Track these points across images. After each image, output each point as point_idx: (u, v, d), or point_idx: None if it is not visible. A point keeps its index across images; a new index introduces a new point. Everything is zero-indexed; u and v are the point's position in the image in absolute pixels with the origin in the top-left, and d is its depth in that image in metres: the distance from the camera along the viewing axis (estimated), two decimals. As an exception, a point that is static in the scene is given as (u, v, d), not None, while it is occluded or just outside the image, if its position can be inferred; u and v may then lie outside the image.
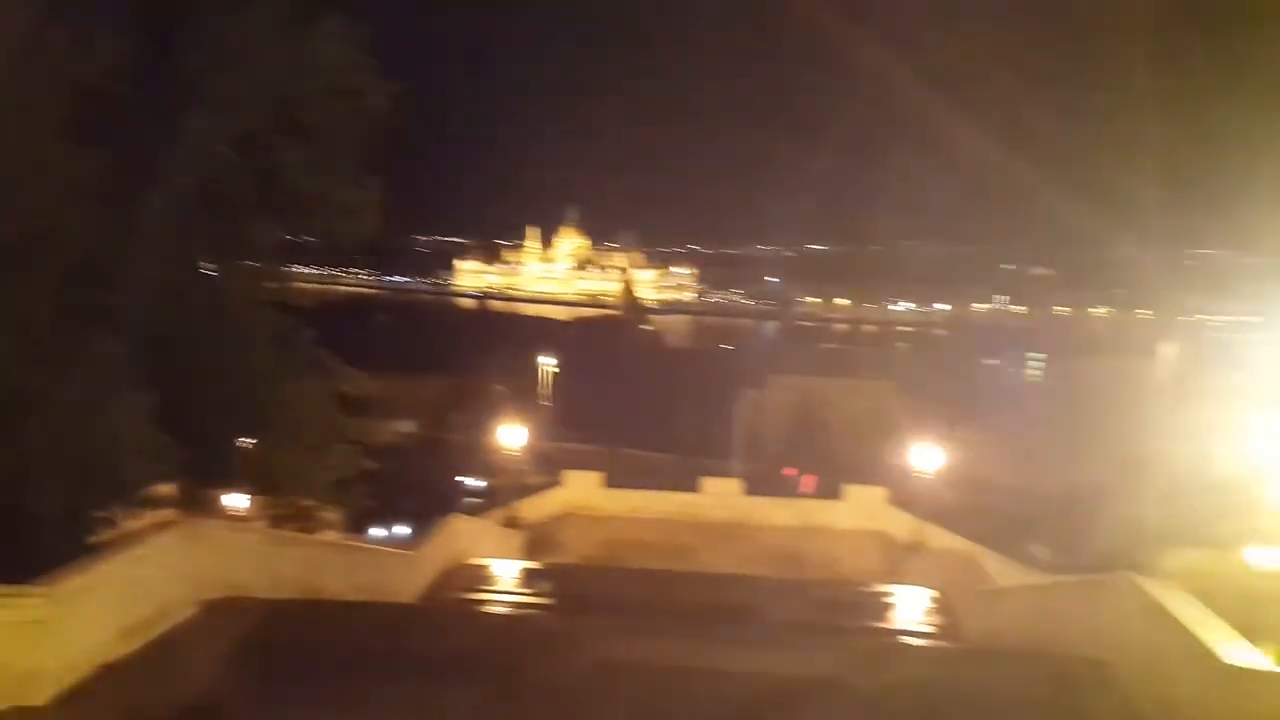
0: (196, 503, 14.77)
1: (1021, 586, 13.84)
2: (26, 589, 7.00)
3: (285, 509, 16.40)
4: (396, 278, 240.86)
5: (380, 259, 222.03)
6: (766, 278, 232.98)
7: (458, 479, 54.00)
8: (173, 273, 13.51)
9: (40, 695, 7.00)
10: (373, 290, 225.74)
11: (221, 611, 9.33)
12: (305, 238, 16.21)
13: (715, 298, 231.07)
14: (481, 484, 53.62)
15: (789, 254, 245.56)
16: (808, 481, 40.48)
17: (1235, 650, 7.08)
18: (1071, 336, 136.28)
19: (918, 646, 12.34)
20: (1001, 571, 17.68)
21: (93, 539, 11.46)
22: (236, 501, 19.15)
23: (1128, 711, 8.00)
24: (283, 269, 15.86)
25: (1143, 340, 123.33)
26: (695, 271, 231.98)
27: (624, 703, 8.06)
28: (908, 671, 9.45)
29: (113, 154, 12.02)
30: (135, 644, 8.18)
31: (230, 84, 13.44)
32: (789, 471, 41.03)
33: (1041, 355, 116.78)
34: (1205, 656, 7.14)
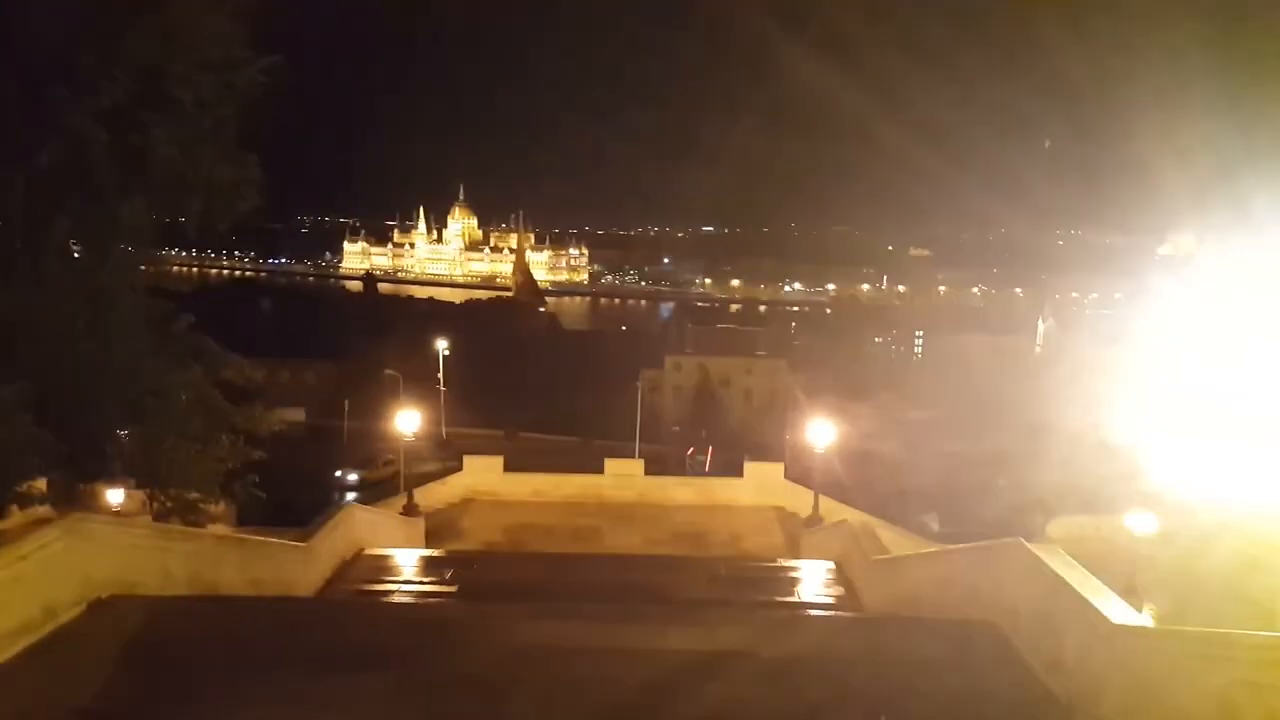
0: (71, 498, 13.95)
1: (915, 555, 14.35)
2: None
3: (169, 503, 15.65)
4: (278, 260, 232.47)
5: (261, 241, 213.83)
6: (665, 259, 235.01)
7: (337, 473, 51.87)
8: (38, 257, 12.61)
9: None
10: (253, 273, 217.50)
11: (110, 610, 8.84)
12: (179, 218, 15.37)
13: (610, 279, 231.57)
14: (354, 477, 52.30)
15: (681, 235, 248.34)
16: (691, 452, 41.39)
17: (1117, 610, 7.50)
18: (952, 314, 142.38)
19: (819, 616, 12.68)
20: (895, 542, 18.30)
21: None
22: (113, 496, 18.14)
23: (1019, 670, 8.40)
24: (156, 252, 15.06)
25: (1019, 317, 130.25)
26: (587, 253, 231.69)
27: (535, 687, 7.99)
28: (810, 640, 9.70)
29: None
30: (17, 647, 7.69)
31: (94, 55, 12.55)
32: (691, 452, 41.64)
33: (923, 333, 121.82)
34: (1090, 616, 7.53)
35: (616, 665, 8.52)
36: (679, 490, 26.92)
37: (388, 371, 58.38)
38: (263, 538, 13.49)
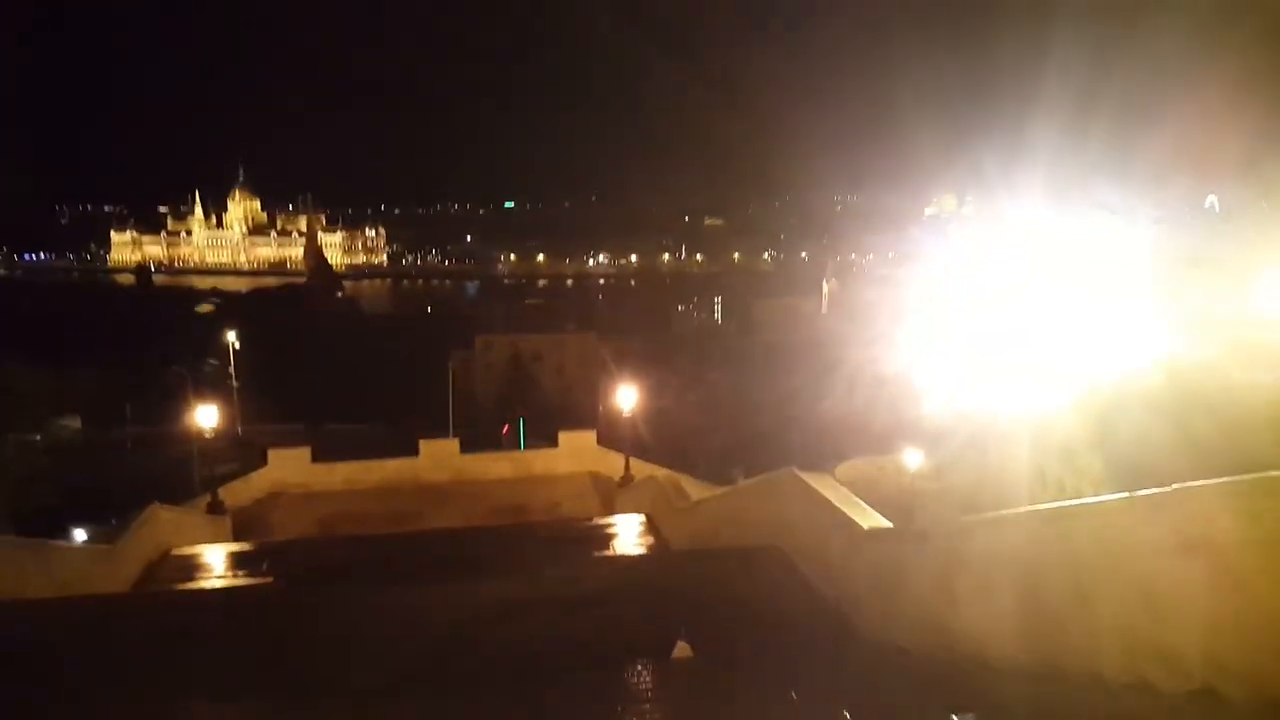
0: None
1: (711, 498, 15.71)
2: None
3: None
4: (36, 255, 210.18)
5: (15, 234, 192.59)
6: (467, 237, 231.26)
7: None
8: None
9: None
10: (5, 272, 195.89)
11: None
12: None
13: (411, 259, 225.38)
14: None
15: (482, 212, 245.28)
16: (505, 431, 41.99)
17: (867, 517, 8.92)
18: (746, 280, 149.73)
19: (630, 557, 13.81)
20: (700, 493, 19.74)
21: None
22: None
23: (795, 577, 9.79)
24: None
25: (806, 279, 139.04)
26: (385, 233, 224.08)
27: (355, 652, 8.38)
28: (622, 578, 10.73)
29: None
30: None
31: None
32: (506, 429, 42.18)
33: (721, 298, 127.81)
34: (848, 526, 8.92)
35: (439, 615, 9.10)
36: (495, 466, 27.40)
37: (173, 369, 54.62)
38: (63, 544, 12.99)
